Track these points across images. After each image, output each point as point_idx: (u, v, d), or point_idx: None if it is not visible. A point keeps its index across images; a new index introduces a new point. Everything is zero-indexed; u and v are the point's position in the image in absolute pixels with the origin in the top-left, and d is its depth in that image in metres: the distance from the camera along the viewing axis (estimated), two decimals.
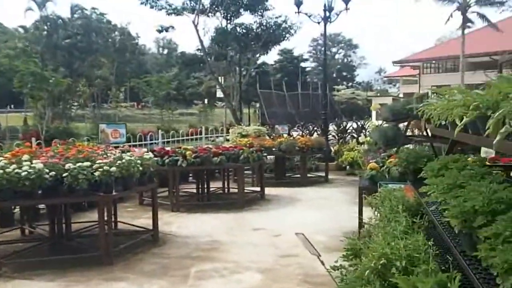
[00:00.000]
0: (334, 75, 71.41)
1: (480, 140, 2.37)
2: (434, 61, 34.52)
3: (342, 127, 16.17)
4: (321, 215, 8.33)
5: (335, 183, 11.87)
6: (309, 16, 14.29)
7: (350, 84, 71.72)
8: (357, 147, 14.25)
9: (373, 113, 42.11)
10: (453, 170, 2.78)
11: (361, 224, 6.20)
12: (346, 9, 13.68)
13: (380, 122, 15.85)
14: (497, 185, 2.21)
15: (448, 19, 24.62)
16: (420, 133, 11.12)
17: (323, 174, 12.31)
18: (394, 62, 38.42)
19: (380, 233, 2.97)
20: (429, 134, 9.49)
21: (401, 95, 41.28)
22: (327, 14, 14.03)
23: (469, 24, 25.13)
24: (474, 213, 2.00)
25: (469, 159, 3.36)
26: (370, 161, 9.08)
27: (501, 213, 1.94)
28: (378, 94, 52.64)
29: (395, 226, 3.01)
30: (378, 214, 3.95)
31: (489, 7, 26.09)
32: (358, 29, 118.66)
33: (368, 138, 13.93)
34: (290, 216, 8.28)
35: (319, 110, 34.64)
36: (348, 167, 13.28)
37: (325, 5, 13.95)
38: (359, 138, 15.47)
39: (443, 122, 3.79)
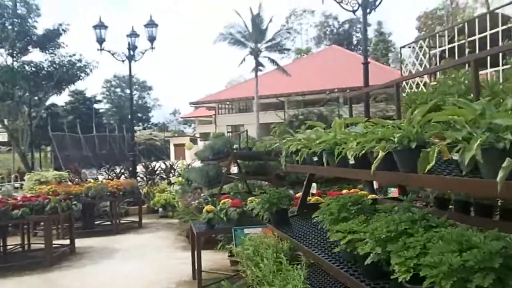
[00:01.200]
0: (130, 116, 69.80)
1: (409, 178, 2.08)
2: (228, 102, 36.48)
3: (150, 168, 15.65)
4: (144, 265, 7.65)
5: (150, 227, 11.25)
6: (113, 54, 13.61)
7: (146, 125, 71.25)
8: (167, 188, 13.89)
9: (172, 153, 42.44)
10: (385, 215, 2.43)
11: (200, 273, 5.84)
12: (152, 48, 13.48)
13: (189, 161, 15.85)
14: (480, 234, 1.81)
15: (242, 62, 26.43)
16: (228, 172, 11.38)
17: (135, 219, 11.58)
18: (191, 103, 39.50)
19: None
20: (241, 171, 9.73)
21: (197, 135, 42.46)
22: (131, 53, 13.60)
23: (260, 67, 27.36)
24: (464, 270, 1.62)
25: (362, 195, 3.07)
26: (192, 202, 8.82)
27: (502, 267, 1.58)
28: (176, 135, 53.35)
29: (294, 283, 2.75)
30: (249, 265, 3.60)
31: (277, 53, 28.96)
32: (152, 71, 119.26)
33: (180, 179, 13.72)
34: (109, 271, 7.41)
35: (117, 151, 33.45)
36: (161, 209, 12.79)
37: (129, 43, 13.52)
38: (170, 178, 15.13)
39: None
